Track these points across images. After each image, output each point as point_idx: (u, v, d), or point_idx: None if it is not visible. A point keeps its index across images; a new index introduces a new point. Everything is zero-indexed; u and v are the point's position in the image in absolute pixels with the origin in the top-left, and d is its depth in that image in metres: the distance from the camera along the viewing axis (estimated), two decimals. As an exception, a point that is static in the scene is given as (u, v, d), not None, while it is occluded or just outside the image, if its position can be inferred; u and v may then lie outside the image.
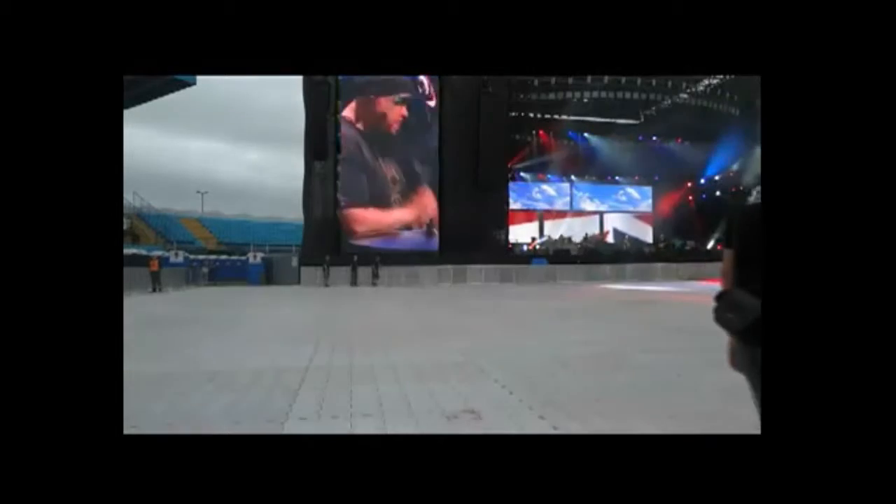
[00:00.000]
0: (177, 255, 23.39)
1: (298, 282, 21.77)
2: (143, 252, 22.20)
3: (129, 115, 23.99)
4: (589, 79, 26.92)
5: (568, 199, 33.13)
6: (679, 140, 31.78)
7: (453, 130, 23.85)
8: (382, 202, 23.73)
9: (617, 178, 33.43)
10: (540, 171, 32.20)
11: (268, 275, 23.25)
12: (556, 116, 30.10)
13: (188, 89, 25.85)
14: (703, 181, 32.28)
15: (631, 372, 4.62)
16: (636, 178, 33.62)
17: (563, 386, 4.14)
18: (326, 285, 20.82)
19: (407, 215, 23.88)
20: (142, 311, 10.91)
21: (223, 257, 26.23)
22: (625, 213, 33.77)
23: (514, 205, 29.83)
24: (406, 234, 23.83)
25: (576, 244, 28.68)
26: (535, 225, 31.64)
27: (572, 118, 30.08)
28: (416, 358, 5.22)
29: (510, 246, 26.95)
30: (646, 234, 33.36)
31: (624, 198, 34.05)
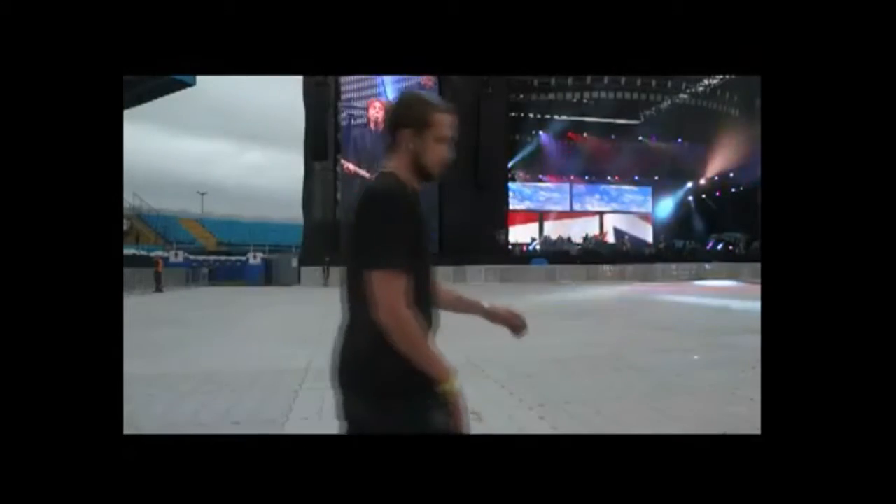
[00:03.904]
0: (177, 255, 23.39)
1: (298, 282, 21.79)
2: (143, 252, 22.22)
3: (128, 114, 23.99)
4: (589, 79, 26.98)
5: (567, 199, 33.14)
6: (679, 140, 31.79)
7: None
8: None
9: (616, 178, 33.44)
10: (540, 171, 32.21)
11: (268, 275, 23.26)
12: (556, 117, 30.13)
13: (188, 89, 25.86)
14: (703, 181, 32.31)
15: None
16: (636, 178, 33.64)
17: (561, 387, 4.14)
18: (326, 285, 20.82)
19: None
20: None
21: (223, 258, 26.22)
22: (624, 213, 33.76)
23: (513, 205, 29.83)
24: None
25: (575, 244, 28.70)
26: (534, 225, 31.65)
27: (572, 118, 30.11)
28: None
29: (510, 246, 26.97)
30: (646, 234, 33.37)
31: (624, 198, 34.05)
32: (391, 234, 1.14)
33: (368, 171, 23.53)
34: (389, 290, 1.11)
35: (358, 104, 24.01)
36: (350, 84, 23.79)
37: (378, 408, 1.19)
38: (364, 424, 1.23)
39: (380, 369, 1.17)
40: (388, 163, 1.29)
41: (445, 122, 1.27)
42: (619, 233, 32.67)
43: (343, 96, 23.88)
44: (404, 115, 1.27)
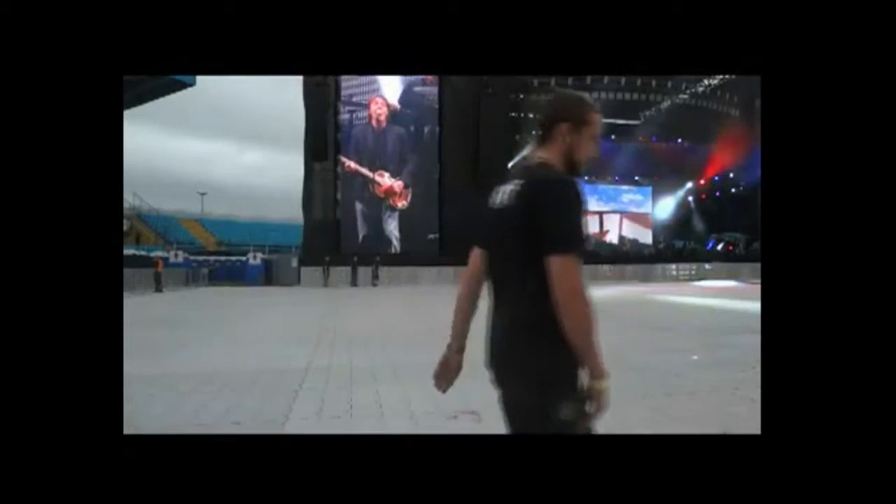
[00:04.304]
0: (177, 255, 23.38)
1: (298, 282, 21.76)
2: (143, 253, 22.21)
3: (128, 115, 23.98)
4: (589, 79, 26.94)
5: (567, 199, 33.04)
6: (679, 140, 31.76)
7: (453, 131, 23.83)
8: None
9: (616, 178, 33.40)
10: (539, 171, 32.12)
11: (267, 275, 23.22)
12: (556, 117, 30.05)
13: (188, 89, 25.80)
14: (703, 181, 32.27)
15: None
16: (636, 178, 33.59)
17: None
18: (326, 286, 20.80)
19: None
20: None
21: (223, 258, 26.18)
22: (625, 214, 33.70)
23: (513, 205, 29.74)
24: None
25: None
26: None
27: (572, 118, 30.03)
28: (418, 358, 5.22)
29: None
30: (645, 235, 33.32)
31: (623, 198, 34.00)
32: (574, 220, 1.20)
33: (370, 169, 23.48)
34: (573, 273, 1.16)
35: (359, 101, 23.94)
36: (350, 81, 23.72)
37: (538, 394, 1.21)
38: (524, 410, 1.27)
39: (546, 357, 1.21)
40: (537, 153, 1.33)
41: (599, 121, 1.36)
42: (620, 236, 32.60)
43: (343, 93, 23.79)
44: (564, 110, 1.33)
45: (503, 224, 1.27)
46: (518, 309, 1.26)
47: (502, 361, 1.30)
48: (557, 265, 1.16)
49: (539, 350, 1.21)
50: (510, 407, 1.30)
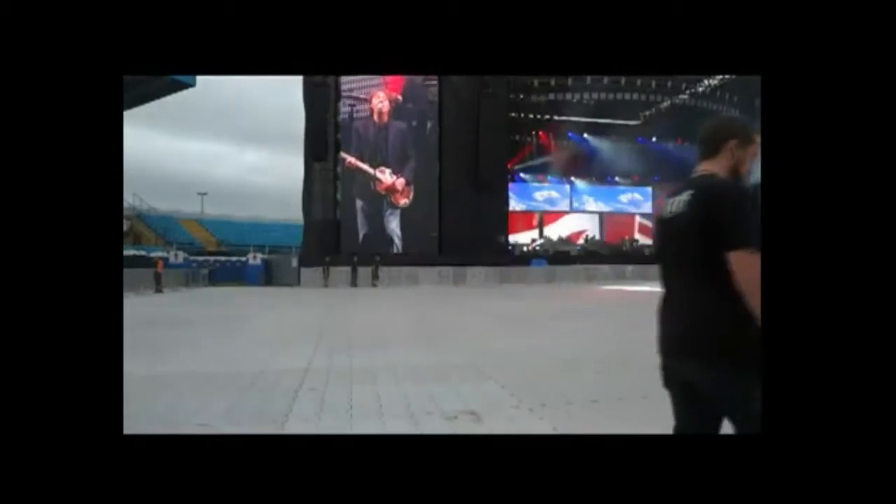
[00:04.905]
0: (176, 256, 23.39)
1: (298, 283, 21.75)
2: (143, 253, 22.23)
3: (129, 115, 23.97)
4: (589, 80, 26.98)
5: (567, 200, 33.12)
6: (679, 140, 31.78)
7: (453, 130, 23.82)
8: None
9: (617, 178, 33.41)
10: (540, 172, 32.20)
11: (267, 276, 23.22)
12: (556, 117, 30.13)
13: (189, 90, 25.79)
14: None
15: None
16: (636, 178, 33.60)
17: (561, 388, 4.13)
18: (326, 286, 20.78)
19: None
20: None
21: (223, 258, 26.18)
22: (625, 214, 33.69)
23: (513, 206, 29.81)
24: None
25: (575, 245, 28.69)
26: (534, 226, 31.64)
27: (572, 119, 30.12)
28: (416, 358, 5.22)
29: (510, 247, 26.97)
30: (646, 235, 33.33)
31: (624, 198, 34.00)
32: (750, 217, 1.34)
33: (371, 166, 23.39)
34: (755, 265, 1.29)
35: (360, 95, 23.84)
36: (351, 77, 23.59)
37: (733, 378, 1.33)
38: (718, 398, 1.39)
39: (729, 343, 1.34)
40: (701, 166, 1.56)
41: (759, 142, 1.51)
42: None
43: (343, 88, 23.64)
44: (734, 129, 1.54)
45: (678, 229, 1.44)
46: (698, 303, 1.40)
47: (685, 352, 1.43)
48: (741, 258, 1.30)
49: (721, 338, 1.34)
50: (695, 393, 1.42)
